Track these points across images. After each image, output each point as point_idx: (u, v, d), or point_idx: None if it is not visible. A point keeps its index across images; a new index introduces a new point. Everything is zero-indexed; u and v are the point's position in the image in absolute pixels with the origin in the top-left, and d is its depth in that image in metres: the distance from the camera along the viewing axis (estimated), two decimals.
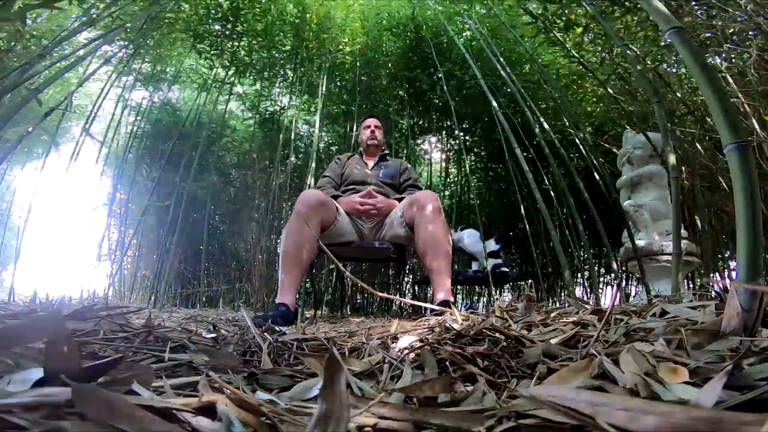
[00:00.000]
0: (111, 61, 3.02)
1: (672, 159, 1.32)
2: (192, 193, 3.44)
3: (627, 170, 2.42)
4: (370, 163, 2.11)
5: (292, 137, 3.50)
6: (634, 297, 3.07)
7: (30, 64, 1.51)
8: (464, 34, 3.09)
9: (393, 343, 0.65)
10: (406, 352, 0.57)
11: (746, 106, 1.73)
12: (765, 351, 0.40)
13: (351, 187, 1.97)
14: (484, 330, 0.65)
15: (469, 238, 2.87)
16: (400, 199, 1.86)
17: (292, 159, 3.72)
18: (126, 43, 2.98)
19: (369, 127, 2.20)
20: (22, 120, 3.09)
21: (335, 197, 1.86)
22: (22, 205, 3.65)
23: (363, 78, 3.62)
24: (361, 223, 1.86)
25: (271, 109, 3.88)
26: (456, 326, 0.71)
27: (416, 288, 3.80)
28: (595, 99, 2.89)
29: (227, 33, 3.22)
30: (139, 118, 3.81)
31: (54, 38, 1.83)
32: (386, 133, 3.42)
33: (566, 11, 1.92)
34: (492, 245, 2.72)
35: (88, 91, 3.77)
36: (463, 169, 4.03)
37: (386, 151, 2.22)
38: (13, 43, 2.08)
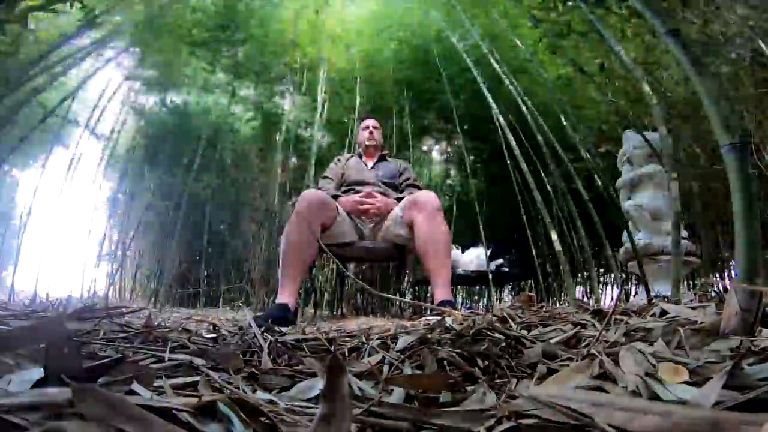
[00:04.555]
0: (109, 63, 3.02)
1: (671, 159, 1.32)
2: (193, 193, 3.44)
3: (627, 170, 2.42)
4: (370, 164, 2.11)
5: (292, 139, 3.50)
6: (634, 297, 3.07)
7: (31, 66, 1.51)
8: (467, 41, 3.07)
9: (393, 343, 0.65)
10: (406, 352, 0.57)
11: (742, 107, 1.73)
12: (765, 351, 0.40)
13: (351, 187, 1.97)
14: (484, 330, 0.65)
15: (467, 256, 2.83)
16: (399, 199, 1.86)
17: (293, 160, 3.72)
18: (128, 47, 2.98)
19: (367, 127, 2.20)
20: (24, 122, 3.10)
21: (335, 197, 1.86)
22: (24, 205, 3.65)
23: (364, 83, 3.61)
24: (361, 223, 1.86)
25: (272, 112, 3.87)
26: (456, 326, 0.71)
27: (416, 288, 3.79)
28: (593, 102, 2.89)
29: (225, 39, 3.22)
30: (142, 120, 3.81)
31: (55, 41, 1.83)
32: (388, 136, 3.41)
33: (566, 17, 1.93)
34: (492, 256, 2.71)
35: (92, 95, 3.76)
36: (463, 171, 4.03)
37: (386, 152, 2.22)
38: (14, 47, 2.08)
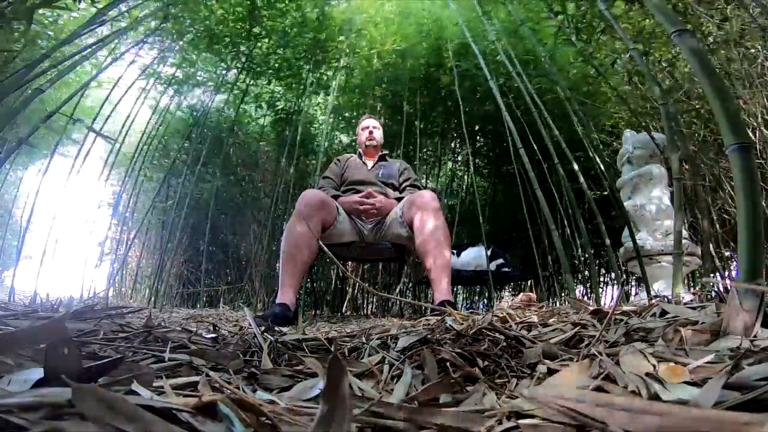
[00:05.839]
0: (119, 60, 3.01)
1: (675, 159, 1.32)
2: (196, 193, 3.43)
3: (627, 170, 2.42)
4: (370, 164, 2.11)
5: (299, 138, 3.48)
6: (634, 297, 3.07)
7: (35, 63, 1.51)
8: (485, 38, 3.04)
9: (393, 343, 0.65)
10: (406, 352, 0.57)
11: (751, 107, 1.73)
12: (765, 351, 0.40)
13: (351, 187, 1.97)
14: (484, 330, 0.65)
15: (467, 255, 2.83)
16: (399, 199, 1.86)
17: (300, 159, 3.70)
18: (143, 42, 2.96)
19: (367, 128, 2.20)
20: (28, 121, 3.09)
21: (335, 197, 1.86)
22: (25, 205, 3.65)
23: (380, 81, 3.60)
24: (361, 224, 1.86)
25: (284, 109, 3.85)
26: (456, 326, 0.71)
27: (416, 288, 3.80)
28: (605, 100, 2.88)
29: (244, 34, 3.19)
30: (149, 118, 3.78)
31: (64, 39, 1.82)
32: (397, 136, 3.40)
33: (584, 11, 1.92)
34: (492, 256, 2.71)
35: (101, 92, 3.73)
36: (469, 171, 4.03)
37: (386, 152, 2.22)
38: (19, 44, 2.08)
